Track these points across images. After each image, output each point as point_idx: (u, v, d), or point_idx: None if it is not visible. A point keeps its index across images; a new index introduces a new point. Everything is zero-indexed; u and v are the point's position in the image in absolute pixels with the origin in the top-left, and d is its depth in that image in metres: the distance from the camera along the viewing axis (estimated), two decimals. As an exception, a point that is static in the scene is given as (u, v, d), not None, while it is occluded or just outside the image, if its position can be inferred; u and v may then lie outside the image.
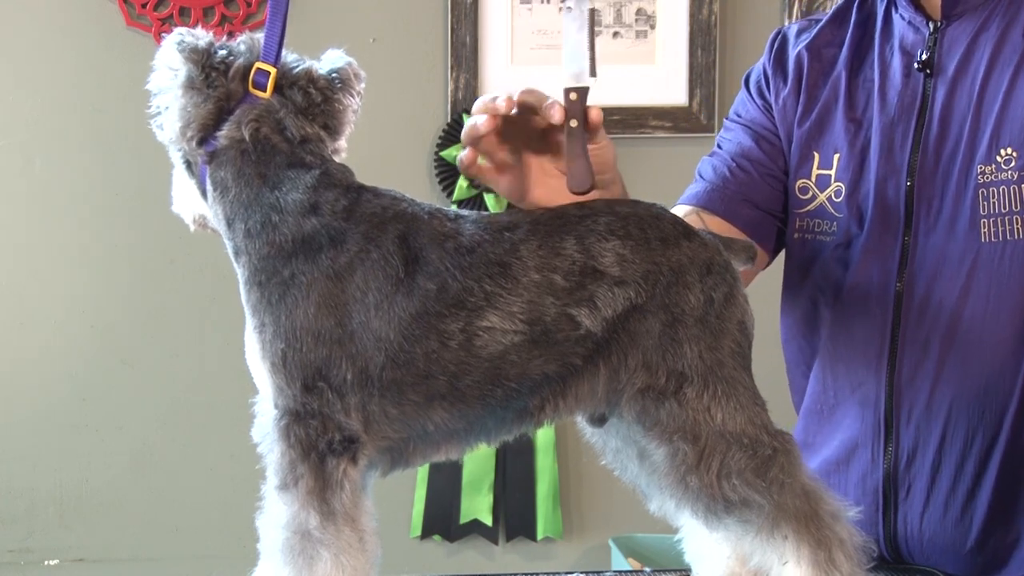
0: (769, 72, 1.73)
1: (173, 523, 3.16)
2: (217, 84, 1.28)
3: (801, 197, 1.68)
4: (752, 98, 1.75)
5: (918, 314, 1.58)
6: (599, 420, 1.36)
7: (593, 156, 1.35)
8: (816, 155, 1.66)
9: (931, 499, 1.60)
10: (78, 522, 3.15)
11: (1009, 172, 1.52)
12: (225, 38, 1.32)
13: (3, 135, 3.07)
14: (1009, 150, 1.53)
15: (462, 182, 3.08)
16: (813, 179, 1.67)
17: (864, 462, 1.64)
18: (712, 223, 1.66)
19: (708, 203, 1.68)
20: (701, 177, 1.74)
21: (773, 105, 1.72)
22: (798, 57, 1.70)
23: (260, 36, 1.31)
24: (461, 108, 3.09)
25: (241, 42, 1.30)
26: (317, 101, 1.30)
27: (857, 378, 1.64)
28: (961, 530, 1.60)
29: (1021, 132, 1.52)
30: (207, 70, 1.27)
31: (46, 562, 3.16)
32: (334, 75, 1.32)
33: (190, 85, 1.28)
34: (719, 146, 1.75)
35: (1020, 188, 1.51)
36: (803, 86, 1.69)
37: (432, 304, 1.24)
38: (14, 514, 3.14)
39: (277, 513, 1.24)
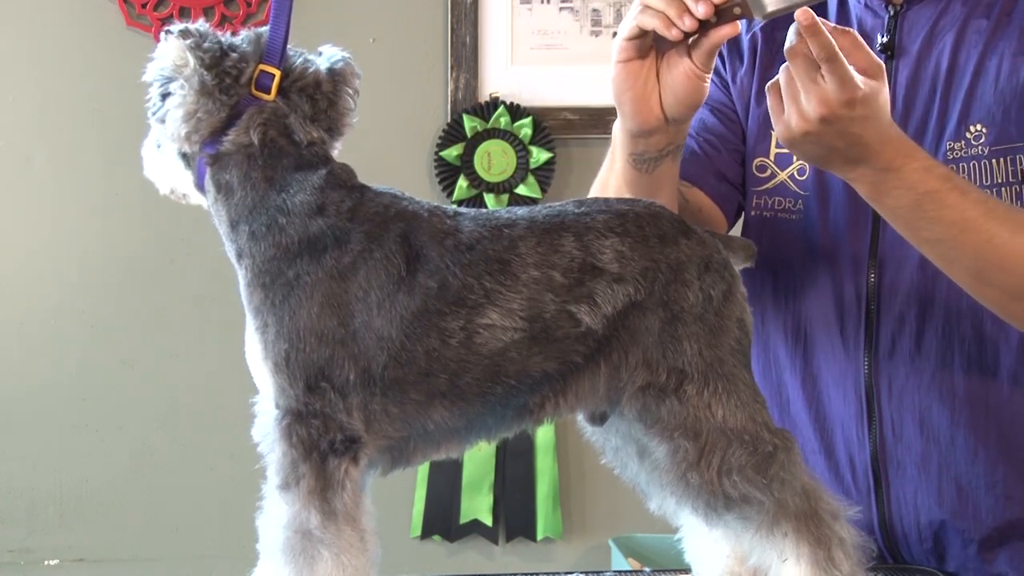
0: (724, 52, 1.73)
1: (173, 523, 3.16)
2: (231, 91, 1.26)
3: (759, 175, 1.69)
4: None
5: (891, 288, 1.59)
6: (600, 419, 1.36)
7: (693, 82, 1.38)
8: (773, 134, 1.66)
9: (923, 475, 1.61)
10: (78, 522, 3.15)
11: (979, 147, 1.54)
12: (229, 34, 1.31)
13: (3, 135, 3.07)
14: (979, 126, 1.54)
15: (462, 182, 3.08)
16: (772, 158, 1.68)
17: (849, 442, 1.64)
18: (688, 193, 1.67)
19: (684, 173, 1.67)
20: None
21: (730, 84, 1.73)
22: (752, 38, 1.71)
23: (264, 30, 1.30)
24: (461, 108, 3.09)
25: (246, 40, 1.29)
26: (323, 107, 1.30)
27: (829, 357, 1.64)
28: (958, 507, 1.60)
29: (991, 108, 1.54)
30: (221, 75, 1.26)
31: (46, 562, 3.16)
32: (336, 77, 1.32)
33: (203, 91, 1.25)
34: None
35: (991, 163, 1.53)
36: (756, 67, 1.69)
37: (433, 302, 1.24)
38: (14, 514, 3.14)
39: (278, 513, 1.23)
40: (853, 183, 1.42)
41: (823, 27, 1.29)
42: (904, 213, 1.41)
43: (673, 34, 1.34)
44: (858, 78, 1.31)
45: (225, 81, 1.26)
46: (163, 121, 1.28)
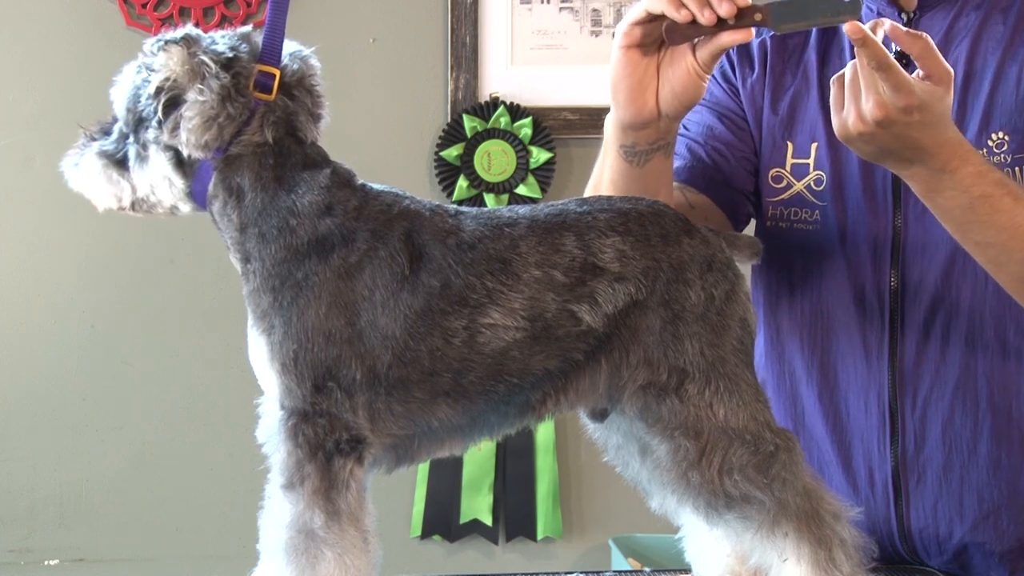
0: (734, 58, 1.72)
1: (173, 523, 3.16)
2: (247, 93, 1.26)
3: (775, 186, 1.68)
4: (717, 81, 1.73)
5: (913, 299, 1.58)
6: (600, 415, 1.36)
7: (693, 79, 1.39)
8: (790, 144, 1.66)
9: (944, 486, 1.60)
10: (78, 522, 3.15)
11: (1002, 155, 1.54)
12: (221, 34, 1.30)
13: (3, 135, 3.07)
14: (1001, 134, 1.54)
15: (462, 182, 3.08)
16: (788, 168, 1.66)
17: (869, 455, 1.63)
18: (694, 199, 1.66)
19: (691, 180, 1.67)
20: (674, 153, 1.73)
21: (740, 89, 1.71)
22: (762, 44, 1.70)
23: (248, 30, 1.29)
24: (461, 108, 3.09)
25: (243, 43, 1.28)
26: (318, 99, 1.31)
27: (849, 369, 1.63)
28: (979, 517, 1.59)
29: (1012, 116, 1.54)
30: (236, 77, 1.25)
31: (46, 562, 3.16)
32: (310, 70, 1.31)
33: (224, 95, 1.24)
34: (684, 127, 1.71)
35: (1014, 171, 1.53)
36: (768, 74, 1.69)
37: (436, 301, 1.24)
38: (14, 514, 3.13)
39: (281, 512, 1.24)
40: (907, 180, 1.43)
41: (872, 37, 1.29)
42: (957, 214, 1.42)
43: (683, 15, 1.33)
44: (917, 85, 1.31)
45: (241, 83, 1.26)
46: (175, 129, 1.26)
